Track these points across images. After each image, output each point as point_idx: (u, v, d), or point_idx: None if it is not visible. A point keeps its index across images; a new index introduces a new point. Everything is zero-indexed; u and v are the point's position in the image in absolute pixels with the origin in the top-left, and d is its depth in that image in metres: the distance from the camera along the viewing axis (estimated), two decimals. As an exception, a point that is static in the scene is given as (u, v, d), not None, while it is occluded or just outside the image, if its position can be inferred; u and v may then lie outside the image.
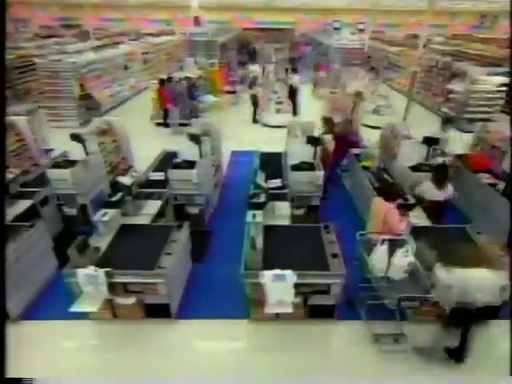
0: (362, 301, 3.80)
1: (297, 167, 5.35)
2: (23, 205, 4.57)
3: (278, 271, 3.32)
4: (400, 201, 4.58)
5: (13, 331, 3.33)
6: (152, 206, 4.82)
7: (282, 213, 4.64)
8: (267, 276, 3.35)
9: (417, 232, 4.05)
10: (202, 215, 5.39)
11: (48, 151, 6.92)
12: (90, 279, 3.41)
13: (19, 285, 3.78)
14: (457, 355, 3.41)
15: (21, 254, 3.81)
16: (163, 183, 5.20)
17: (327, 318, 3.81)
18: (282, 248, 3.82)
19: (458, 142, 6.78)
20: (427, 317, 3.72)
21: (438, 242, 3.76)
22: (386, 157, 6.30)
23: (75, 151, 5.60)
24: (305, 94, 12.71)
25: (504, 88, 9.85)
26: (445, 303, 3.21)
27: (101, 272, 3.38)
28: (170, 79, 9.81)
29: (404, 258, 3.43)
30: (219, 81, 13.51)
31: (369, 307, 3.72)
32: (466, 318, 3.23)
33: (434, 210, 4.68)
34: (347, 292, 3.67)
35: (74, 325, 3.76)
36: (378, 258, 3.59)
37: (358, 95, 8.07)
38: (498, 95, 9.94)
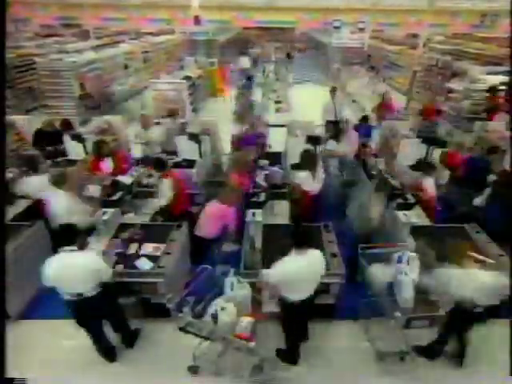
0: (364, 314, 3.80)
1: (297, 166, 5.34)
2: (23, 204, 4.57)
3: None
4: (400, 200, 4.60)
5: (13, 330, 3.33)
6: (151, 205, 4.82)
7: (282, 212, 4.64)
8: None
9: (416, 231, 4.05)
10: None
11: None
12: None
13: (19, 284, 3.78)
14: (459, 357, 3.42)
15: (21, 253, 3.82)
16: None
17: (326, 317, 3.83)
18: (281, 247, 3.81)
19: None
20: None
21: (437, 241, 3.77)
22: (386, 156, 6.29)
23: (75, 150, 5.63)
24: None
25: (504, 87, 9.83)
26: (444, 303, 3.20)
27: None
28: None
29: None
30: (219, 80, 13.55)
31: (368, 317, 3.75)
32: (465, 320, 3.19)
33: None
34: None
35: (74, 324, 3.76)
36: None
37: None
38: (498, 94, 9.91)
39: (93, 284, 3.01)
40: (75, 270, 2.89)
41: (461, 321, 3.20)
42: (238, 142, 5.84)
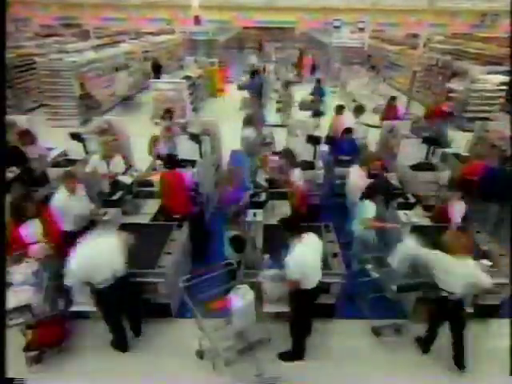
0: (363, 295, 3.84)
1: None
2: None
3: (277, 270, 3.31)
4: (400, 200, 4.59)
5: (13, 331, 3.32)
6: (152, 205, 4.82)
7: (283, 211, 4.63)
8: (266, 275, 3.35)
9: (417, 231, 4.05)
10: (202, 215, 5.39)
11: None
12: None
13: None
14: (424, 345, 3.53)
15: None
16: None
17: (327, 317, 3.83)
18: (281, 247, 3.80)
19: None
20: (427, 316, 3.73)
21: (437, 241, 3.76)
22: (386, 156, 6.29)
23: (75, 150, 5.62)
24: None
25: (504, 87, 9.84)
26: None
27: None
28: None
29: None
30: (219, 80, 13.55)
31: (369, 302, 3.78)
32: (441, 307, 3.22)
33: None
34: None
35: (74, 324, 3.76)
36: None
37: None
38: (498, 94, 9.92)
39: (121, 264, 3.15)
40: (107, 253, 3.05)
41: (438, 308, 3.27)
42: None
